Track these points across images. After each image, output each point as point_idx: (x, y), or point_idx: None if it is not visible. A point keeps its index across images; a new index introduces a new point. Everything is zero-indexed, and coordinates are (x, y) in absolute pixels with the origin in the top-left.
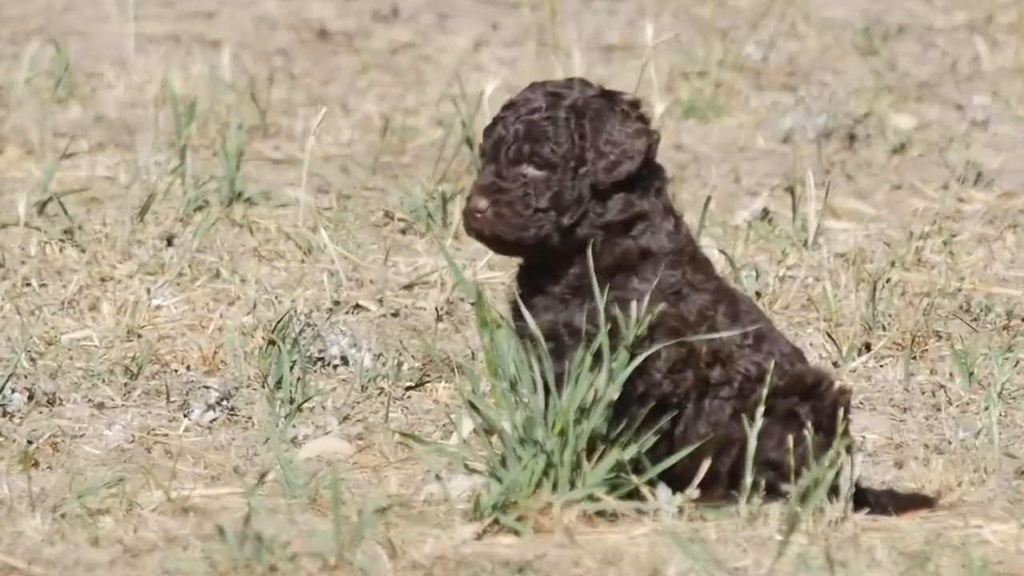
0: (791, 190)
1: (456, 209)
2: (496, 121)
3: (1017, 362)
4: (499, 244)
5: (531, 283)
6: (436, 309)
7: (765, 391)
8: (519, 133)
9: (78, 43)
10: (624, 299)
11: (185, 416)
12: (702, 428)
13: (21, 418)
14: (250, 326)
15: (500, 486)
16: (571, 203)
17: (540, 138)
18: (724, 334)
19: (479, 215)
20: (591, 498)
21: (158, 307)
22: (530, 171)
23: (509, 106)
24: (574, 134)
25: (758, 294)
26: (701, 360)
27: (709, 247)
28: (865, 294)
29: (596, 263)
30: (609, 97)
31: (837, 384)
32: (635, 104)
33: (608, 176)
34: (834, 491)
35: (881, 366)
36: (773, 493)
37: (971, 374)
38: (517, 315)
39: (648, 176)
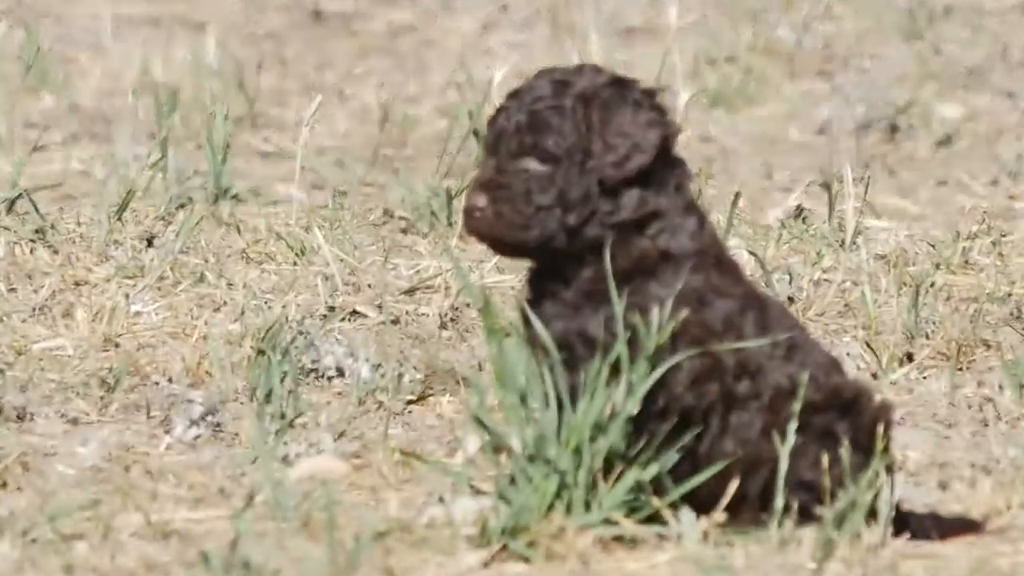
0: (827, 186)
1: (462, 207)
2: (499, 111)
3: None
4: (500, 245)
5: (541, 288)
6: (440, 316)
7: (798, 405)
8: (521, 124)
9: (50, 26)
10: (642, 305)
11: (166, 432)
12: (729, 445)
13: None
14: (237, 334)
15: (509, 509)
16: (577, 200)
17: (543, 129)
18: (753, 343)
19: (478, 213)
20: (608, 522)
21: (137, 314)
22: (532, 165)
23: (514, 95)
24: (580, 125)
25: (791, 299)
26: (727, 372)
27: (738, 248)
28: (907, 299)
29: (611, 266)
30: (621, 85)
31: (878, 399)
32: (650, 93)
33: (617, 171)
34: (872, 514)
35: (924, 378)
36: (807, 517)
37: (1022, 386)
38: (527, 322)
39: (665, 171)
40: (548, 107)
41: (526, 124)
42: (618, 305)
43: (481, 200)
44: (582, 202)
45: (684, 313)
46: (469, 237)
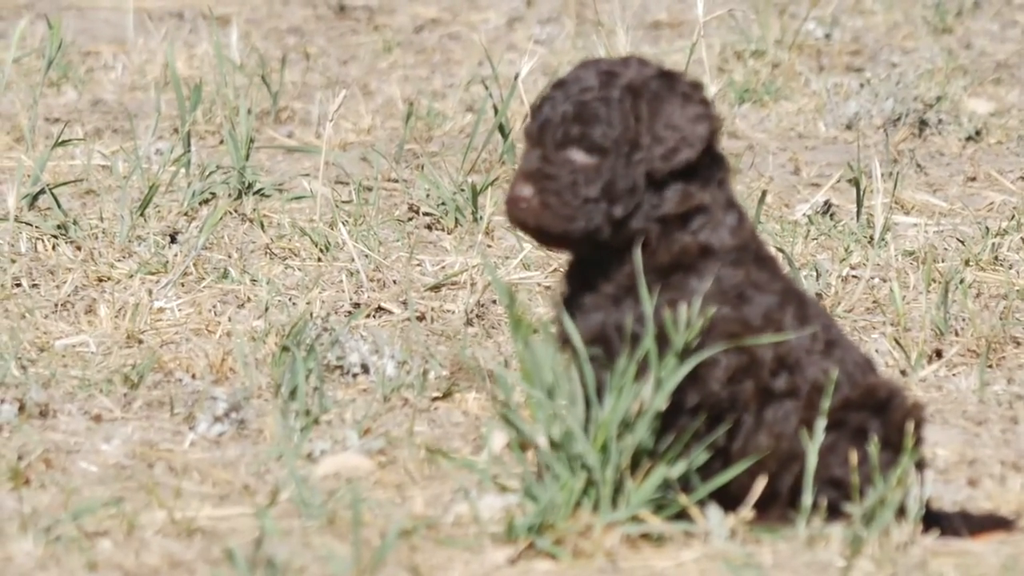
0: (855, 182)
1: (487, 202)
2: (543, 101)
3: None
4: (544, 236)
5: (582, 280)
6: (466, 312)
7: (828, 402)
8: (567, 114)
9: (73, 19)
10: (680, 301)
11: (190, 429)
12: (763, 440)
13: (11, 431)
14: (262, 331)
15: (535, 506)
16: (624, 193)
17: (591, 120)
18: (790, 335)
19: (524, 204)
20: (635, 519)
21: (160, 310)
22: (579, 156)
23: (558, 85)
24: (629, 116)
25: (819, 296)
26: (764, 368)
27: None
28: (936, 296)
29: (651, 260)
30: (669, 77)
31: (910, 398)
32: (696, 86)
33: (665, 164)
34: (902, 512)
35: (953, 375)
36: (835, 514)
37: None
38: (560, 319)
39: (710, 166)
40: (596, 98)
41: (572, 114)
42: (648, 301)
43: (527, 190)
44: (629, 194)
45: (721, 309)
46: (511, 227)
